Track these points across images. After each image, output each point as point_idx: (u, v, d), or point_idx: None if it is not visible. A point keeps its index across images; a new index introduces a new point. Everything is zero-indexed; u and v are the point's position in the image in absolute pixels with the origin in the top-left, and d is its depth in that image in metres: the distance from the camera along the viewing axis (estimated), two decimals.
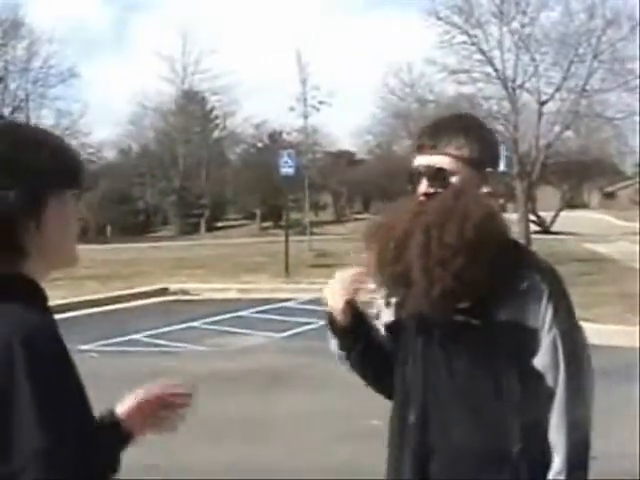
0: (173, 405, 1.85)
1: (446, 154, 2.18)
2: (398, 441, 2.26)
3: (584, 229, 38.47)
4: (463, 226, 2.05)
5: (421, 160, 2.21)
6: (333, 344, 2.33)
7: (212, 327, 13.31)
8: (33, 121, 45.51)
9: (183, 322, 13.55)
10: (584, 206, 61.72)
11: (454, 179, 2.17)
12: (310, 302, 15.90)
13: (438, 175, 2.17)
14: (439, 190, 2.16)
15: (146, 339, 11.72)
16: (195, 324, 13.54)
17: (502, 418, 2.11)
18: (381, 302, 2.35)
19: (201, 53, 52.62)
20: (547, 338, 2.10)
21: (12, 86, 47.84)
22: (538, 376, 2.11)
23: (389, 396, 2.35)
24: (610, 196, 65.51)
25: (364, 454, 6.27)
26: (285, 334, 12.37)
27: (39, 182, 1.40)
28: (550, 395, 2.10)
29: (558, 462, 2.08)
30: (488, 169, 2.24)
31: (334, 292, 2.25)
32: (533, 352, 2.11)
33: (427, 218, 2.09)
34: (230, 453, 6.21)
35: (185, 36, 54.88)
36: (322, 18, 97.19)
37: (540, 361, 2.11)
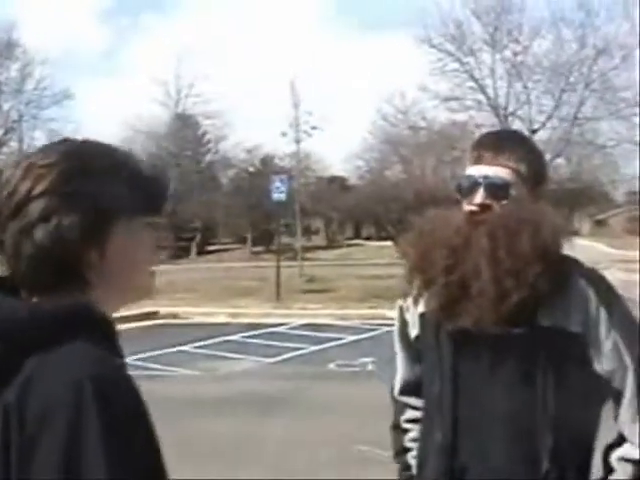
0: None
1: (507, 167, 2.09)
2: (423, 458, 2.21)
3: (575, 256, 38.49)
4: (536, 235, 2.00)
5: (480, 170, 2.11)
6: None
7: (202, 351, 13.24)
8: (26, 142, 45.62)
9: (173, 346, 13.48)
10: (575, 234, 61.63)
11: (513, 192, 2.08)
12: (300, 327, 15.87)
13: (499, 186, 2.08)
14: (496, 202, 2.07)
15: (136, 362, 11.64)
16: (185, 348, 13.47)
17: (535, 433, 2.02)
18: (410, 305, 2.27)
19: (195, 77, 52.76)
20: (607, 342, 2.02)
21: (5, 107, 48.02)
22: (584, 381, 2.03)
23: None
24: (601, 224, 65.74)
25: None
26: (275, 359, 12.30)
27: (102, 209, 1.29)
28: (616, 394, 2.04)
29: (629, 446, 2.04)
30: (541, 186, 2.18)
31: None
32: (576, 358, 2.03)
33: (493, 226, 2.02)
34: (218, 477, 6.17)
35: (179, 59, 55.22)
36: (315, 44, 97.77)
37: (604, 367, 2.03)
